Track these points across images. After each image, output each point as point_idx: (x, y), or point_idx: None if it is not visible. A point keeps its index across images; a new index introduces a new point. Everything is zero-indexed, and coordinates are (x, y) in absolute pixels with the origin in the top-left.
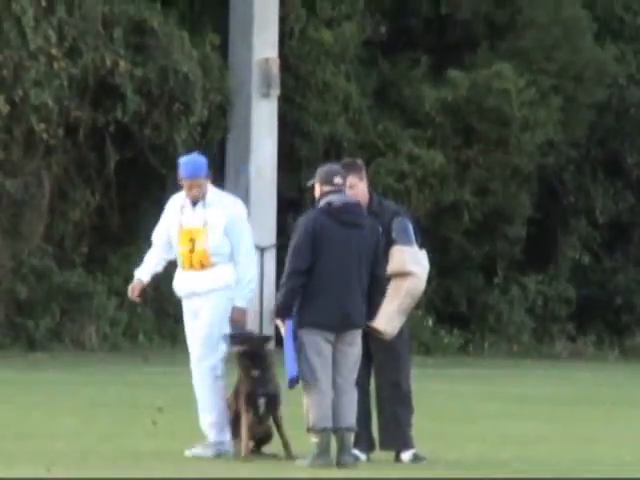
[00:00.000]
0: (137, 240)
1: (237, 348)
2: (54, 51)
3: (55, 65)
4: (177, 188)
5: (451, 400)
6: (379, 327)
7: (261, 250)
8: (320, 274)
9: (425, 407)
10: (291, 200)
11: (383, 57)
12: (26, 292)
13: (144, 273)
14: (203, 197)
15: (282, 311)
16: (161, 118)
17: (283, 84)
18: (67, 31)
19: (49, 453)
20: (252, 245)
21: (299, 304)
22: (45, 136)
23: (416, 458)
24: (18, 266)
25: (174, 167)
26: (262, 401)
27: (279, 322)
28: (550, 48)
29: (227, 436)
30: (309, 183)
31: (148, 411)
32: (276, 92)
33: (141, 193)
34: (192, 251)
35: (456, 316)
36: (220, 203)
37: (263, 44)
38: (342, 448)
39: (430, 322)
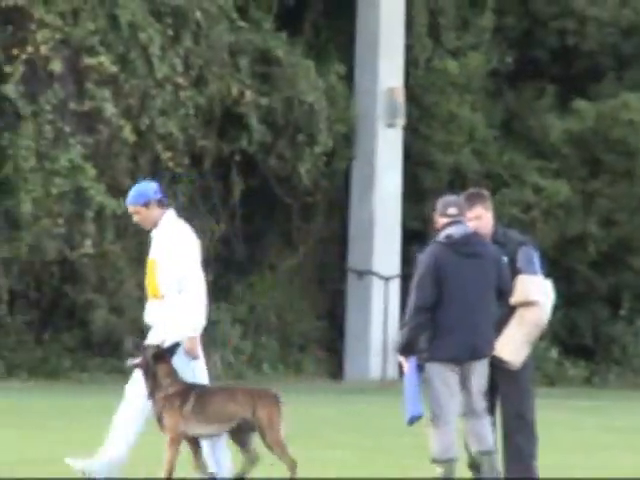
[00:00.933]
0: (262, 270)
1: (133, 361)
2: (180, 80)
3: (181, 94)
4: (302, 217)
5: (574, 431)
6: (506, 357)
7: (385, 280)
8: (445, 308)
9: (547, 438)
10: (415, 230)
11: (509, 88)
12: None
13: None
14: (155, 226)
15: (406, 348)
16: (286, 148)
17: (408, 114)
18: (193, 60)
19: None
20: (196, 275)
21: (426, 339)
22: (171, 165)
23: None
24: (144, 294)
25: (299, 197)
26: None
27: (402, 359)
28: None
29: None
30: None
31: None
32: (401, 122)
33: (266, 223)
34: (148, 281)
35: (581, 347)
36: (165, 234)
37: (388, 73)
38: (485, 472)
39: (555, 353)
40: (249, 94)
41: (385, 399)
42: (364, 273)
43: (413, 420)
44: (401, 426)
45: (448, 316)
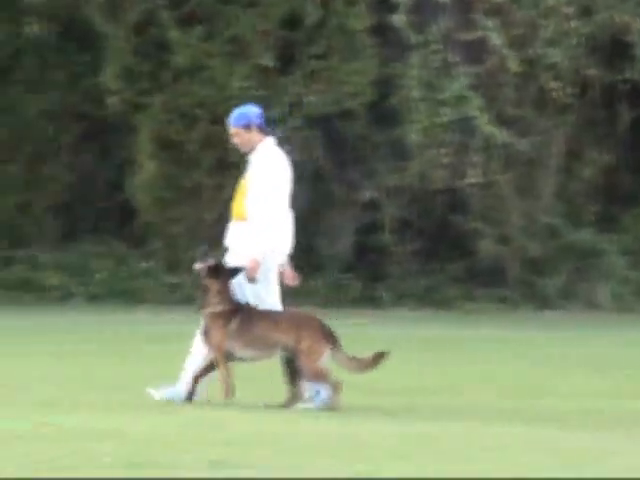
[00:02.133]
0: None
1: (200, 265)
2: (566, 10)
3: (568, 24)
4: None
5: None
6: None
7: None
8: None
9: None
10: None
11: None
12: (537, 250)
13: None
14: (252, 150)
15: None
16: None
17: None
18: None
19: (566, 412)
20: (276, 203)
21: None
22: (557, 95)
23: None
24: (530, 224)
25: None
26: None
27: None
28: None
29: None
30: None
31: None
32: None
33: None
34: (235, 202)
35: None
36: (258, 160)
37: None
38: None
39: None
40: (636, 23)
41: None
42: None
43: None
44: None
45: None
